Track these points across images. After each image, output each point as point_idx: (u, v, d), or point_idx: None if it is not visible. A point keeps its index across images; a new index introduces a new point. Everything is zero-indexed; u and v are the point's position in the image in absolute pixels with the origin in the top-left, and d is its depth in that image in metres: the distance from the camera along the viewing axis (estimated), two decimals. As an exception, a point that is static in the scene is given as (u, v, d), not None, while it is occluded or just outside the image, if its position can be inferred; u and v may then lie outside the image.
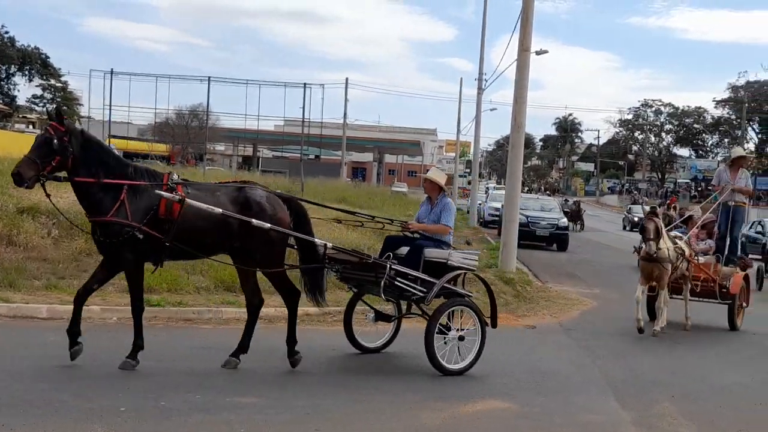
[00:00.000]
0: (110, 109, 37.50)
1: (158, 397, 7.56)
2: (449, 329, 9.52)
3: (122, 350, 8.61)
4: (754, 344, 13.85)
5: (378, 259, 9.53)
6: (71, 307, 8.62)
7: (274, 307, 12.30)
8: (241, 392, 8.01)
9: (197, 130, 61.66)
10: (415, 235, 10.09)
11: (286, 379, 8.76)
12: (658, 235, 13.10)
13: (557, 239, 30.37)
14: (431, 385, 9.02)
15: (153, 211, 8.41)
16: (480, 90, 42.58)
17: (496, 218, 33.84)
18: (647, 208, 14.33)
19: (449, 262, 9.69)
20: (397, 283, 9.32)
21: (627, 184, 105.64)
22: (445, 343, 9.50)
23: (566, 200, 55.37)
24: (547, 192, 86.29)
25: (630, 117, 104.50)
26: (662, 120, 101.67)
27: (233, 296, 12.53)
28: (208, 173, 36.20)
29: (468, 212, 43.13)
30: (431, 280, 9.44)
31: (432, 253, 9.68)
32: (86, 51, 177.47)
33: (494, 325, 10.07)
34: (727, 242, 15.12)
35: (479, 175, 53.51)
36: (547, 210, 32.56)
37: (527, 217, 28.71)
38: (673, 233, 14.62)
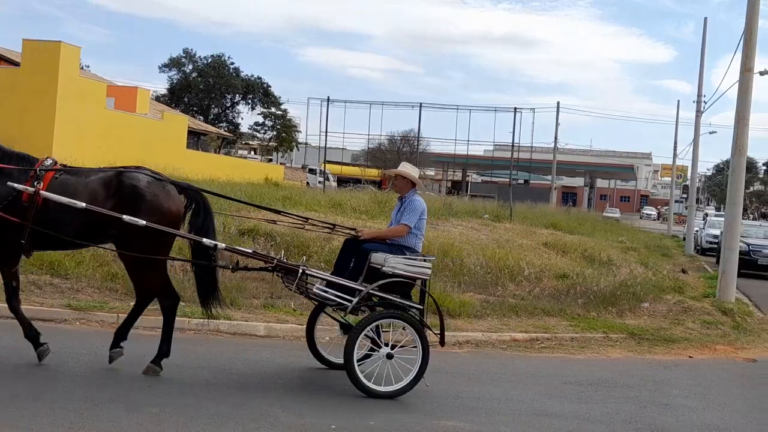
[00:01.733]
0: (326, 135, 38.67)
1: (367, 416, 7.71)
2: (381, 345, 8.55)
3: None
4: None
5: (284, 262, 8.78)
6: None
7: (481, 332, 12.34)
8: (447, 416, 8.04)
9: (408, 156, 62.71)
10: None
11: (491, 405, 8.69)
12: None
13: (781, 269, 28.74)
14: (641, 413, 8.70)
15: (12, 197, 8.08)
16: (698, 112, 41.23)
17: (714, 245, 32.72)
18: None
19: (383, 268, 8.50)
20: (316, 290, 8.53)
21: None
22: (368, 359, 8.72)
23: None
24: None
25: None
26: None
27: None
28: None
29: (684, 239, 41.63)
30: (357, 287, 8.44)
31: (377, 258, 8.56)
32: (305, 80, 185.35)
33: (442, 343, 8.97)
34: None
35: (697, 200, 51.48)
36: (771, 237, 30.89)
37: (748, 245, 27.55)
38: None
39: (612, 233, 33.81)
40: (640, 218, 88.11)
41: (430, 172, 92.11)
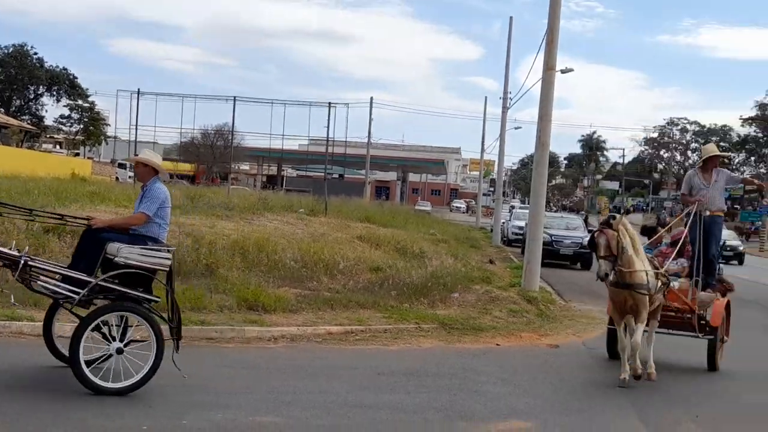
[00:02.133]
0: (136, 129, 37.75)
1: (180, 415, 7.57)
2: (114, 339, 8.18)
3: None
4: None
5: (3, 252, 8.05)
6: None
7: (296, 326, 12.36)
8: (262, 411, 8.02)
9: (222, 150, 61.89)
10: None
11: (307, 398, 8.73)
12: (610, 251, 10.14)
13: (581, 258, 30.17)
14: (452, 401, 8.98)
15: None
16: (504, 108, 42.77)
17: (520, 236, 33.89)
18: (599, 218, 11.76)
19: (116, 259, 8.04)
20: (41, 283, 7.98)
21: (653, 203, 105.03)
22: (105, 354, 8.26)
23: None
24: (577, 211, 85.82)
25: (655, 135, 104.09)
26: (688, 138, 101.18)
27: (256, 315, 12.56)
28: (232, 192, 36.32)
29: (491, 231, 43.09)
30: (87, 279, 7.97)
31: (111, 248, 8.08)
32: (113, 72, 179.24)
33: (177, 346, 8.36)
34: (701, 261, 12.16)
35: (503, 193, 53.44)
36: (572, 228, 32.40)
37: (551, 235, 28.64)
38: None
39: (423, 226, 34.60)
40: (450, 211, 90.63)
41: (245, 167, 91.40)
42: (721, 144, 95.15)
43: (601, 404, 9.64)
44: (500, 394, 9.57)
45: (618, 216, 10.50)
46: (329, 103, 41.02)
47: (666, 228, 12.85)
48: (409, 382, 9.80)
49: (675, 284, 11.70)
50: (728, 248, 39.07)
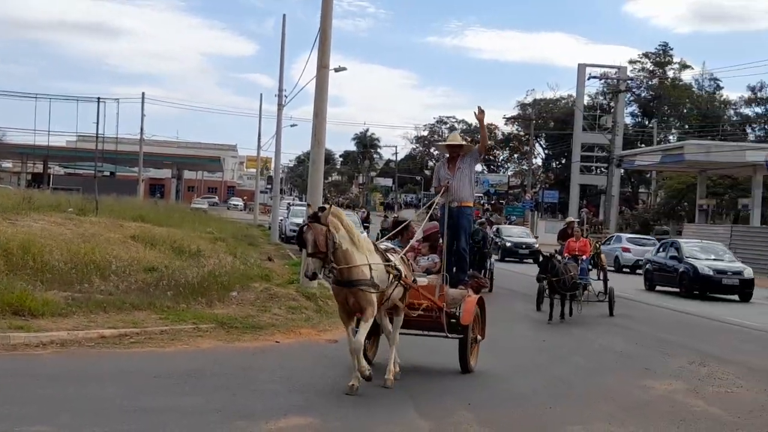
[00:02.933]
0: None
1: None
2: None
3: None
4: (544, 351, 14.49)
5: None
6: None
7: (67, 330, 11.84)
8: (30, 421, 7.61)
9: (-18, 146, 58.39)
10: None
11: (79, 405, 8.36)
12: (317, 248, 9.12)
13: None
14: (231, 401, 8.89)
15: None
16: (280, 106, 42.85)
17: (298, 234, 33.96)
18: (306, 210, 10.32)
19: None
20: None
21: (425, 198, 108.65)
22: None
23: (385, 216, 49.86)
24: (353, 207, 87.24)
25: (426, 133, 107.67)
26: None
27: (22, 320, 11.90)
28: (-7, 191, 34.33)
29: (269, 228, 43.10)
30: None
31: None
32: None
33: None
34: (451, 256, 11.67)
35: (281, 191, 53.55)
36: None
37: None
38: (384, 245, 10.91)
39: (200, 224, 34.12)
40: (228, 209, 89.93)
41: (8, 164, 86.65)
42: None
43: (379, 396, 9.82)
44: (279, 392, 9.58)
45: (327, 207, 9.55)
46: (98, 98, 39.69)
47: (404, 225, 11.96)
48: (187, 384, 9.63)
49: (424, 281, 11.05)
50: (523, 246, 40.96)
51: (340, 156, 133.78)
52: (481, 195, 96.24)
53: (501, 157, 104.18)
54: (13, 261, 15.04)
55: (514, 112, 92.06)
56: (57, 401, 8.42)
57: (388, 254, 10.30)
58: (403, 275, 10.24)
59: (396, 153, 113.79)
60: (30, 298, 12.61)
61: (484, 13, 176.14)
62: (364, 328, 9.69)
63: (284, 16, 43.96)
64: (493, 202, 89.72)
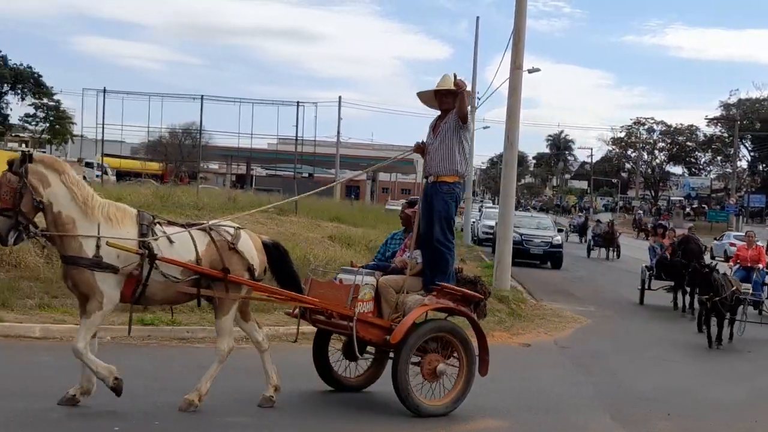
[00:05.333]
0: (103, 128, 37.56)
1: (152, 417, 7.51)
2: None
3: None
4: (748, 361, 13.82)
5: None
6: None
7: (279, 326, 12.29)
8: (234, 412, 7.97)
9: (190, 149, 61.61)
10: None
11: (279, 399, 8.67)
12: (11, 203, 7.18)
13: (551, 257, 30.33)
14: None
15: None
16: (473, 108, 42.83)
17: (490, 236, 33.82)
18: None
19: None
20: None
21: (621, 202, 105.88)
22: None
23: (598, 221, 44.83)
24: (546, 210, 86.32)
25: (622, 135, 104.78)
26: (655, 138, 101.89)
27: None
28: (201, 191, 36.13)
29: (462, 230, 43.22)
30: None
31: None
32: (79, 70, 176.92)
33: None
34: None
35: (474, 193, 53.60)
36: (542, 228, 32.49)
37: (521, 234, 28.67)
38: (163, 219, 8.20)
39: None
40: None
41: (214, 166, 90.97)
42: (688, 144, 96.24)
43: (572, 402, 9.65)
44: (478, 393, 9.58)
45: (29, 154, 7.77)
46: (297, 102, 41.14)
47: None
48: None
49: (351, 278, 8.57)
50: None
51: (533, 158, 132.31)
52: (682, 199, 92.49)
53: (703, 160, 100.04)
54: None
55: (717, 113, 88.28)
56: (255, 395, 8.73)
57: (163, 228, 7.75)
58: (158, 255, 7.46)
59: (591, 155, 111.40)
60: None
61: (686, 10, 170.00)
62: (84, 327, 7.30)
63: (477, 18, 44.43)
64: (694, 205, 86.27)
